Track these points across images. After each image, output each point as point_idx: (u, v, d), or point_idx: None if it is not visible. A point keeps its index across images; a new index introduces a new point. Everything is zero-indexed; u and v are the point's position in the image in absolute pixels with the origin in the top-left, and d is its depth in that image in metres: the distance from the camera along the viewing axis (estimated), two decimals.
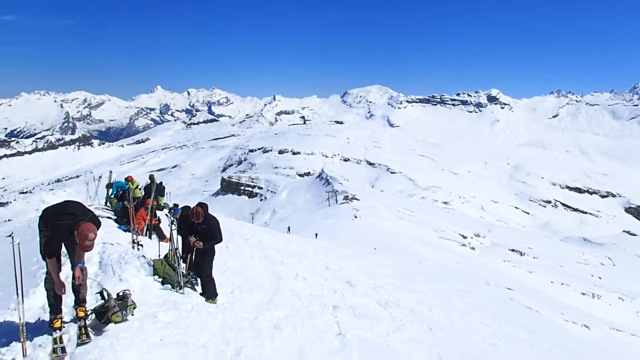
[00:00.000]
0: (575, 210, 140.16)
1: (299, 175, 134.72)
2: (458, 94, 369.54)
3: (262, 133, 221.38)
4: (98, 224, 4.97)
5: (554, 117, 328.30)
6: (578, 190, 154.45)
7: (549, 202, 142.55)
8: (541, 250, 57.85)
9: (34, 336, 5.07)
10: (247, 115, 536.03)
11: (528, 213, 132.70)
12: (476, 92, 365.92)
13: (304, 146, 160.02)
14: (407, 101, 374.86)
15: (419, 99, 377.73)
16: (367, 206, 61.48)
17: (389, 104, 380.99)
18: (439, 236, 53.88)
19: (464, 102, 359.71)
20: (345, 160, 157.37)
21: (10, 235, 4.73)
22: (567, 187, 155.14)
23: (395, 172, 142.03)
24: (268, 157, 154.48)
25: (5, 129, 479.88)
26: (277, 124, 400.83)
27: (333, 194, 78.76)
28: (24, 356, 4.73)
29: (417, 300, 12.17)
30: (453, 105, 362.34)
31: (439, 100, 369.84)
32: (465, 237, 57.48)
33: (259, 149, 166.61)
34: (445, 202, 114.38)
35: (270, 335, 6.60)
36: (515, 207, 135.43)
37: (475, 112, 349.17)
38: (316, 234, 37.32)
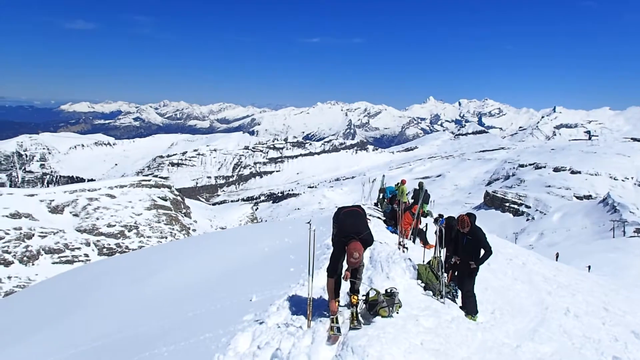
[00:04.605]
0: None
1: (577, 197, 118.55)
2: None
3: (536, 147, 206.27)
4: (369, 243, 5.55)
5: None
6: None
7: None
8: None
9: (316, 311, 5.89)
10: (520, 127, 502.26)
11: None
12: None
13: (586, 165, 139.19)
14: None
15: None
16: None
17: None
18: None
19: None
20: None
21: (308, 222, 5.64)
22: None
23: None
24: (540, 174, 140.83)
25: (303, 132, 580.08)
26: (555, 138, 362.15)
27: (620, 224, 67.78)
28: (308, 327, 5.56)
29: None
30: None
31: None
32: None
33: (530, 164, 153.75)
34: None
35: None
36: None
37: None
38: (589, 267, 32.90)
